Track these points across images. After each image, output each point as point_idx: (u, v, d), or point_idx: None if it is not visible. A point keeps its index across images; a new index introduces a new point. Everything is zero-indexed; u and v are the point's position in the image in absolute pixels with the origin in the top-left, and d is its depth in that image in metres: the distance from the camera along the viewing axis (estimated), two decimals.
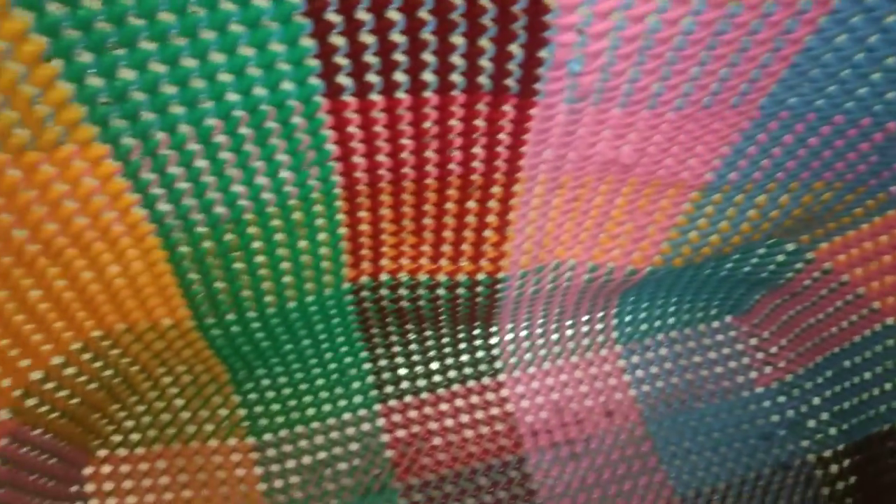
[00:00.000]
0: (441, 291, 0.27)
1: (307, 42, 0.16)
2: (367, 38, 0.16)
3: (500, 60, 0.17)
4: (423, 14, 0.16)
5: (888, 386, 0.27)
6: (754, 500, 0.30)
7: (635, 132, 0.19)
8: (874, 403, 0.28)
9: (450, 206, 0.23)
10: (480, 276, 0.26)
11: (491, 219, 0.24)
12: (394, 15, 0.16)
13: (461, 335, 0.31)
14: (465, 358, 0.31)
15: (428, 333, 0.30)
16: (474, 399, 0.31)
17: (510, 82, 0.17)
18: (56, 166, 0.18)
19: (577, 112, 0.18)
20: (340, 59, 0.17)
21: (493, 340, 0.31)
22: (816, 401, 0.31)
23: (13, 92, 0.16)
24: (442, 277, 0.26)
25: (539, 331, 0.31)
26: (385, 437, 0.30)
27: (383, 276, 0.26)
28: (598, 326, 0.32)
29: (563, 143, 0.20)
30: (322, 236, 0.24)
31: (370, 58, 0.17)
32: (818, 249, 0.26)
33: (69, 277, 0.21)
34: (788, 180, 0.21)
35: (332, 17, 0.16)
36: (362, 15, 0.16)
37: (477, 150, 0.21)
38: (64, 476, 0.27)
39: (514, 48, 0.16)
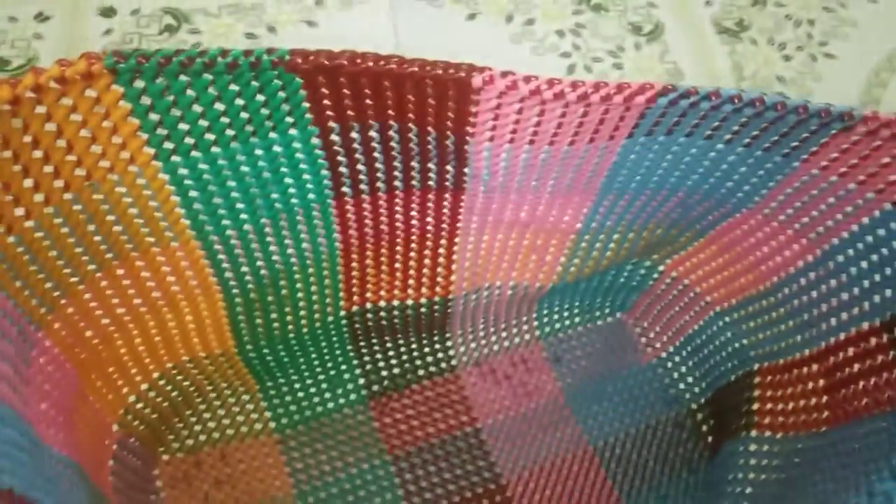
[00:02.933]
0: (409, 311, 0.38)
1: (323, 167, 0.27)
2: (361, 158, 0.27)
3: (440, 173, 0.28)
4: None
5: (724, 353, 0.39)
6: (646, 443, 0.42)
7: (527, 205, 0.30)
8: (719, 365, 0.40)
9: (413, 255, 0.34)
10: (437, 298, 0.37)
11: (441, 260, 0.35)
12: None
13: (425, 342, 0.42)
14: (429, 359, 0.42)
15: (401, 342, 0.41)
16: (439, 389, 0.42)
17: (448, 183, 0.29)
18: (165, 256, 0.28)
19: (489, 197, 0.30)
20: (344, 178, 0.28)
21: (449, 345, 0.42)
22: (683, 370, 0.43)
23: (146, 209, 0.26)
24: (409, 302, 0.37)
25: (481, 334, 0.43)
26: (375, 424, 0.41)
27: (368, 305, 0.37)
28: (525, 328, 0.43)
29: (484, 212, 0.31)
30: (327, 282, 0.34)
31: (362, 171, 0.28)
32: (665, 264, 0.38)
33: (159, 325, 0.32)
34: (630, 226, 0.33)
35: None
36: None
37: (430, 219, 0.32)
38: (145, 475, 0.37)
39: (450, 168, 0.28)
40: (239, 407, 0.39)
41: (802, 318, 0.32)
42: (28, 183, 0.22)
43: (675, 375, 0.43)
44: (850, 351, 0.30)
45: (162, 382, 0.35)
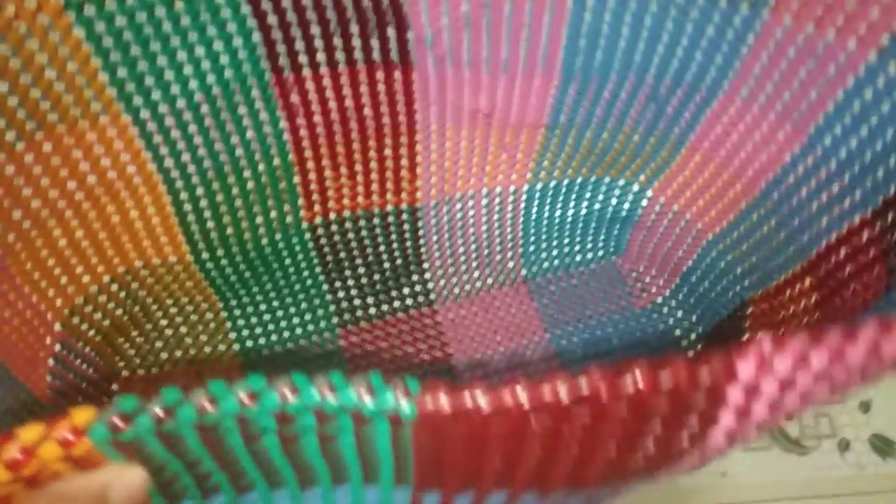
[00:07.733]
0: (376, 221, 0.36)
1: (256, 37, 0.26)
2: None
3: (382, 40, 0.26)
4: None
5: (719, 288, 0.36)
6: None
7: (483, 91, 0.28)
8: (714, 303, 0.37)
9: (372, 153, 0.32)
10: (403, 206, 0.35)
11: (404, 161, 0.33)
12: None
13: (401, 273, 0.39)
14: (406, 291, 0.40)
15: (374, 269, 0.39)
16: (415, 324, 0.40)
17: (393, 55, 0.27)
18: (96, 132, 0.27)
19: (442, 75, 0.27)
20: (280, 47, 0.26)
21: (427, 276, 0.40)
22: (679, 314, 0.39)
23: (64, 73, 0.25)
24: (375, 209, 0.35)
25: (463, 268, 0.40)
26: (345, 354, 0.39)
27: (332, 215, 0.35)
28: (510, 265, 0.41)
29: (440, 100, 0.29)
30: (282, 185, 0.33)
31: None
32: (653, 187, 0.35)
33: (102, 219, 0.30)
34: (603, 124, 0.30)
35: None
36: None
37: (384, 107, 0.30)
38: (101, 387, 0.36)
39: (390, 32, 0.26)
40: (202, 325, 0.38)
41: (793, 226, 0.29)
42: None
43: (671, 321, 0.40)
44: (842, 252, 0.26)
45: (114, 288, 0.33)
